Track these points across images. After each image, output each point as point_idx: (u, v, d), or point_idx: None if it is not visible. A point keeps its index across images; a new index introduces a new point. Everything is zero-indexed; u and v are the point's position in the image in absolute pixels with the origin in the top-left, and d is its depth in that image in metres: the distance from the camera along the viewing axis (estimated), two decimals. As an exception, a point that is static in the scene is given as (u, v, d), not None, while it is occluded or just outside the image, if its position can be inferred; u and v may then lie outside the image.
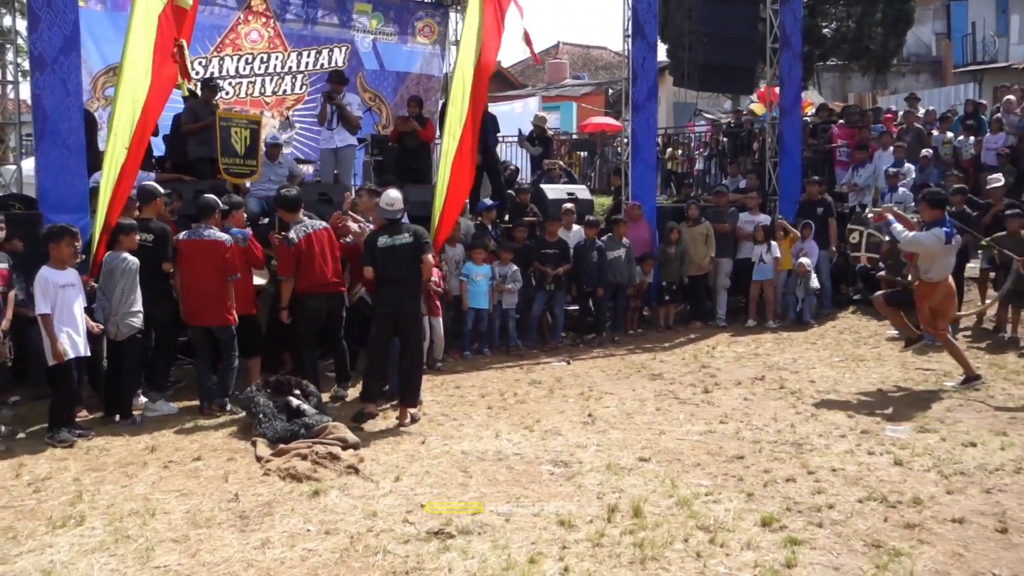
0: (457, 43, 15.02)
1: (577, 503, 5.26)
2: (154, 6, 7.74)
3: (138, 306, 7.19)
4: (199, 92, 10.08)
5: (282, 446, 6.28)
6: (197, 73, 11.12)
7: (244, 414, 7.13)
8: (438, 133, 10.38)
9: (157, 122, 8.49)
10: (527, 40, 10.86)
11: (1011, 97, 14.86)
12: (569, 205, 11.61)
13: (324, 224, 8.00)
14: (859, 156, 13.74)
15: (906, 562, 4.35)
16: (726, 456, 6.17)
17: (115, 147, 7.51)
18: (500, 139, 14.03)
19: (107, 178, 7.50)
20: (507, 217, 11.79)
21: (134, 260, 7.16)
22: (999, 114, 14.40)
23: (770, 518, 4.92)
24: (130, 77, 7.61)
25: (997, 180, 11.40)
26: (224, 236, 7.58)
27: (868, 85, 26.02)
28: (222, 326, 7.59)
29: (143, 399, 7.61)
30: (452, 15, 14.69)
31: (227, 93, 12.41)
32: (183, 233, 7.67)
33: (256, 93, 12.91)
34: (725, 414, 7.36)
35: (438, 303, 9.13)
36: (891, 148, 13.49)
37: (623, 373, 9.12)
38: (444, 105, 12.29)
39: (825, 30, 19.88)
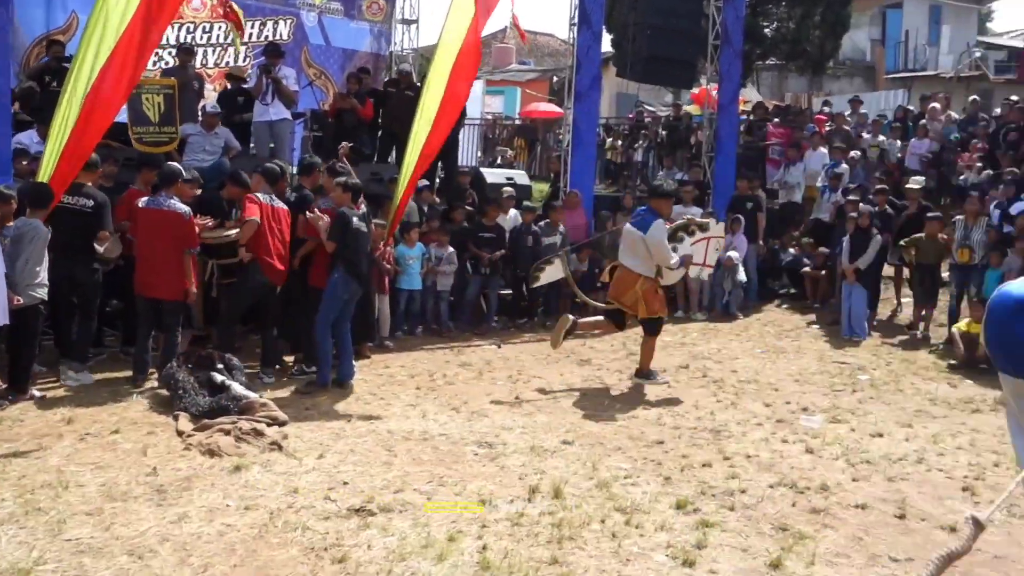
0: (404, 22, 15.08)
1: (499, 483, 5.34)
2: None
3: (42, 277, 6.80)
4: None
5: (205, 421, 6.23)
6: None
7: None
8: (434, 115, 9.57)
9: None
10: (515, 24, 10.84)
11: (936, 105, 15.36)
12: (507, 190, 11.69)
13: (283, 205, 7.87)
14: (791, 155, 14.08)
15: (810, 545, 4.54)
16: (647, 441, 6.33)
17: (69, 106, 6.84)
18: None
19: (56, 138, 6.85)
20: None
21: (45, 230, 6.80)
22: (924, 120, 14.87)
23: (685, 501, 5.07)
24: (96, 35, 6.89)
25: (917, 182, 11.81)
26: (184, 208, 7.39)
27: (805, 86, 26.57)
28: (174, 300, 7.38)
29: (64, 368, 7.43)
30: (399, -5, 14.64)
31: (166, 64, 12.16)
32: (142, 200, 7.43)
33: (198, 64, 12.66)
34: (649, 401, 7.52)
35: (386, 281, 9.19)
36: (821, 148, 13.84)
37: (552, 358, 9.23)
38: (390, 81, 12.30)
39: (766, 30, 20.24)
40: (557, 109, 21.80)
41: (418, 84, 10.70)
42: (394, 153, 11.61)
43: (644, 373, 8.16)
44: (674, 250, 7.96)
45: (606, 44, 17.49)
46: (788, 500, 5.19)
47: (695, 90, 18.61)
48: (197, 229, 7.58)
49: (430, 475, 5.45)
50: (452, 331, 10.31)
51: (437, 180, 11.90)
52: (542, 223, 11.23)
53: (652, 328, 8.13)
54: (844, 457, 6.03)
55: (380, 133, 12.05)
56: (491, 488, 5.24)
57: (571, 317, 8.32)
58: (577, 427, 6.65)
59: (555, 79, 28.58)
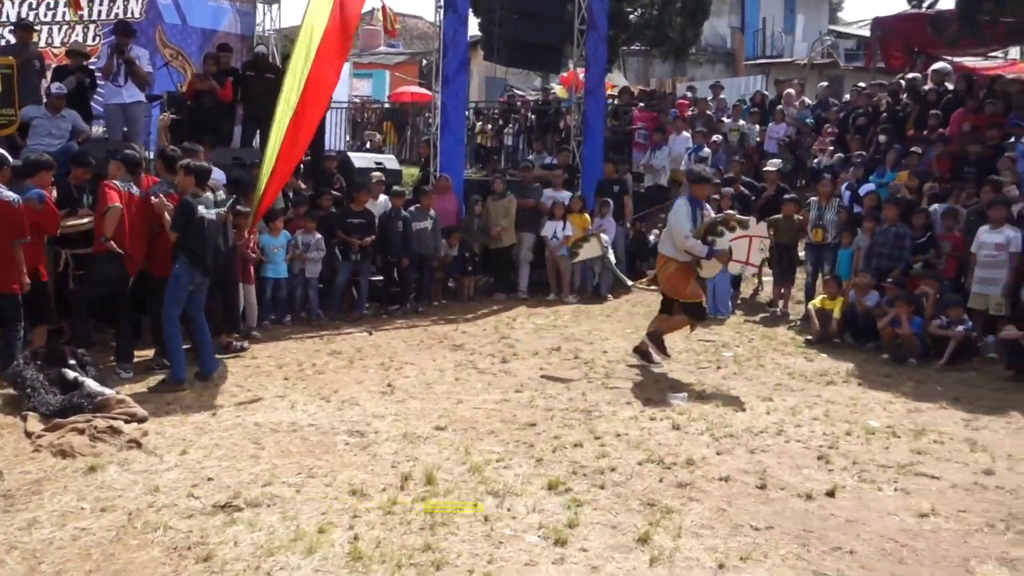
0: (267, 1, 14.61)
1: (371, 472, 5.26)
2: None
3: None
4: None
5: (57, 420, 5.89)
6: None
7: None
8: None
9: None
10: (384, 13, 10.57)
11: (791, 90, 16.04)
12: (376, 174, 11.52)
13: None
14: (656, 139, 14.44)
15: (676, 518, 4.66)
16: (519, 424, 6.36)
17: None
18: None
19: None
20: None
21: None
22: (781, 106, 15.50)
23: (556, 481, 5.12)
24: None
25: (773, 164, 12.31)
26: (11, 195, 6.87)
27: (669, 71, 27.28)
28: (5, 294, 6.86)
29: None
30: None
31: (5, 42, 11.38)
32: None
33: (42, 43, 11.90)
34: (521, 383, 7.57)
35: (251, 269, 8.90)
36: (684, 132, 14.24)
37: (425, 344, 9.18)
38: (248, 65, 11.87)
39: (631, 15, 20.62)
40: (427, 92, 21.64)
41: (280, 67, 10.40)
42: (258, 138, 11.25)
43: (644, 351, 8.29)
44: (712, 243, 7.84)
45: (473, 28, 17.42)
46: (656, 476, 5.32)
47: (563, 74, 18.81)
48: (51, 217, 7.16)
49: (299, 467, 5.32)
50: (321, 319, 10.09)
51: (302, 166, 11.58)
52: (412, 208, 11.13)
53: (691, 312, 8.06)
54: (709, 432, 6.22)
55: (243, 118, 11.65)
56: (363, 477, 5.16)
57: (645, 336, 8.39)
58: (450, 412, 6.62)
59: (424, 62, 28.39)
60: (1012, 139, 11.62)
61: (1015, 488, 5.26)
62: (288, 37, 14.59)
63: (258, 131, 11.21)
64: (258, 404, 6.72)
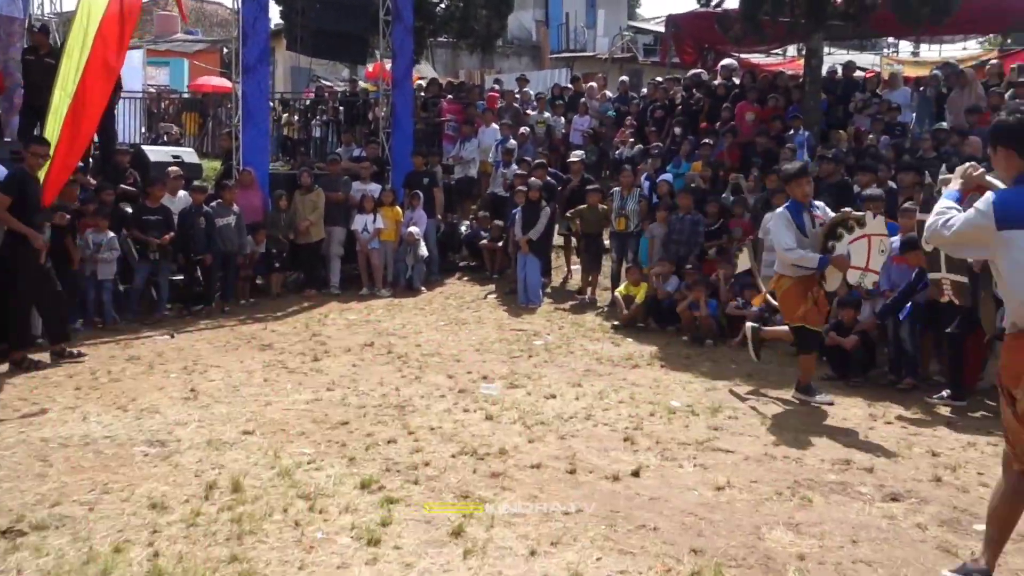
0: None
1: (172, 483, 4.99)
2: None
3: None
4: None
5: None
6: None
7: None
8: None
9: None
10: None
11: (593, 84, 16.56)
12: (174, 168, 10.95)
13: None
14: (466, 131, 14.52)
15: (489, 508, 4.70)
16: (331, 423, 6.23)
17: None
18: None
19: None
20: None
21: None
22: (584, 99, 15.97)
23: (369, 480, 5.05)
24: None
25: (577, 156, 12.69)
26: None
27: (477, 63, 27.53)
28: None
29: None
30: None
31: None
32: None
33: None
34: (333, 381, 7.43)
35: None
36: (493, 124, 14.40)
37: (232, 344, 8.83)
38: (28, 49, 10.94)
39: (437, 7, 20.63)
40: (228, 83, 20.79)
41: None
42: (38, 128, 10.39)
43: (802, 387, 7.10)
44: (832, 249, 6.69)
45: (275, 15, 16.93)
46: (470, 468, 5.35)
47: (369, 66, 18.56)
48: None
49: (92, 483, 4.97)
50: (118, 323, 9.50)
51: (91, 160, 10.85)
52: (214, 203, 10.67)
53: (799, 341, 7.04)
54: (521, 420, 6.33)
55: (22, 107, 10.73)
56: (163, 489, 4.88)
57: (754, 325, 7.58)
58: (258, 415, 6.39)
59: (225, 51, 27.23)
60: (792, 131, 12.50)
61: (799, 457, 5.67)
62: (69, 22, 13.58)
63: (39, 121, 10.37)
64: (45, 418, 6.23)
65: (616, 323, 9.99)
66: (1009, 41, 26.70)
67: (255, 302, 11.11)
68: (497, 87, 18.61)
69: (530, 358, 8.45)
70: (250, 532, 4.35)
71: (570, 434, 6.07)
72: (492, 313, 10.60)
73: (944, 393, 7.07)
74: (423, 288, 11.98)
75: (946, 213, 3.64)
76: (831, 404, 6.90)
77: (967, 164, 3.88)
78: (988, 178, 3.69)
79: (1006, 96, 12.27)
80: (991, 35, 25.89)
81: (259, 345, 8.81)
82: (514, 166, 13.09)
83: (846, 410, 6.88)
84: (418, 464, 5.38)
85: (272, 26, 17.13)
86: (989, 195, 3.57)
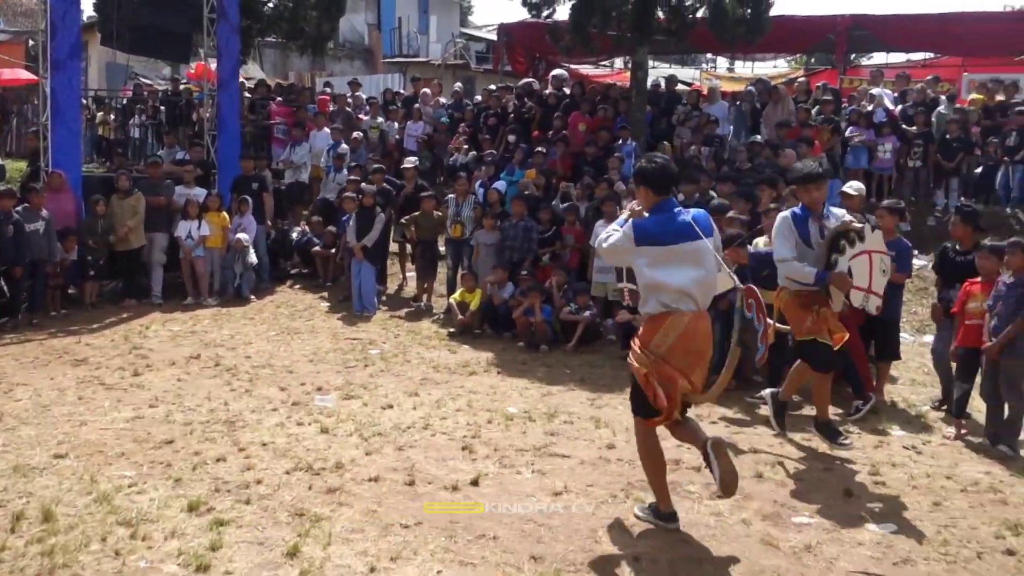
0: None
1: (-28, 516, 4.57)
2: None
3: None
4: None
5: None
6: None
7: None
8: None
9: None
10: None
11: (427, 90, 16.51)
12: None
13: None
14: (296, 134, 14.15)
15: (326, 525, 4.56)
16: (154, 442, 5.89)
17: None
18: None
19: None
20: None
21: None
22: (418, 104, 15.91)
23: (197, 502, 4.80)
24: None
25: (411, 162, 12.61)
26: None
27: (308, 65, 26.91)
28: None
29: None
30: None
31: None
32: None
33: None
34: (156, 397, 7.03)
35: None
36: (325, 128, 14.10)
37: (41, 360, 8.21)
38: None
39: (265, 7, 19.99)
40: (34, 77, 19.40)
41: None
42: None
43: (822, 423, 6.16)
44: (835, 262, 5.72)
45: (89, 8, 15.94)
46: (305, 484, 5.18)
47: (191, 66, 17.82)
48: None
49: None
50: (-93, 339, 8.65)
51: None
52: (20, 208, 9.89)
53: (806, 355, 6.05)
54: (358, 432, 6.19)
55: None
56: (-39, 524, 4.46)
57: (774, 391, 6.58)
58: (72, 437, 5.96)
59: (31, 43, 25.38)
60: (620, 141, 12.90)
61: (632, 459, 5.80)
62: None
63: None
64: None
65: (452, 330, 9.97)
66: (812, 60, 28.82)
67: (67, 313, 10.37)
68: (329, 90, 18.24)
69: (366, 367, 8.29)
70: (64, 566, 4.06)
71: (408, 445, 5.99)
72: (326, 322, 10.35)
73: (764, 392, 7.44)
74: (252, 297, 11.53)
75: (611, 234, 4.79)
76: (849, 446, 6.05)
77: (634, 202, 4.85)
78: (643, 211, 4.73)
79: (812, 112, 13.18)
80: (797, 55, 27.85)
81: (72, 360, 8.23)
82: (345, 171, 12.86)
83: (674, 411, 7.13)
84: (250, 482, 5.16)
85: (85, 19, 16.19)
86: (631, 221, 4.70)
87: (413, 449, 5.90)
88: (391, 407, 6.91)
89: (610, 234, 4.79)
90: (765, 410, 6.73)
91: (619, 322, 9.22)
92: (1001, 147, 12.41)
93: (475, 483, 5.26)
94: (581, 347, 9.31)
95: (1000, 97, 13.99)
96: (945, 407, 7.09)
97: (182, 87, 17.55)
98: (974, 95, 14.46)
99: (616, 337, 9.51)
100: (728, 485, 4.45)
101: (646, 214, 4.74)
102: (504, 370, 8.41)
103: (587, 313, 9.44)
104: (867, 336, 7.44)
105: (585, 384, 7.92)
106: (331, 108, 15.71)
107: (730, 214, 8.13)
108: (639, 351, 4.65)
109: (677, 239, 4.58)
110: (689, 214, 4.71)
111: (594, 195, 10.93)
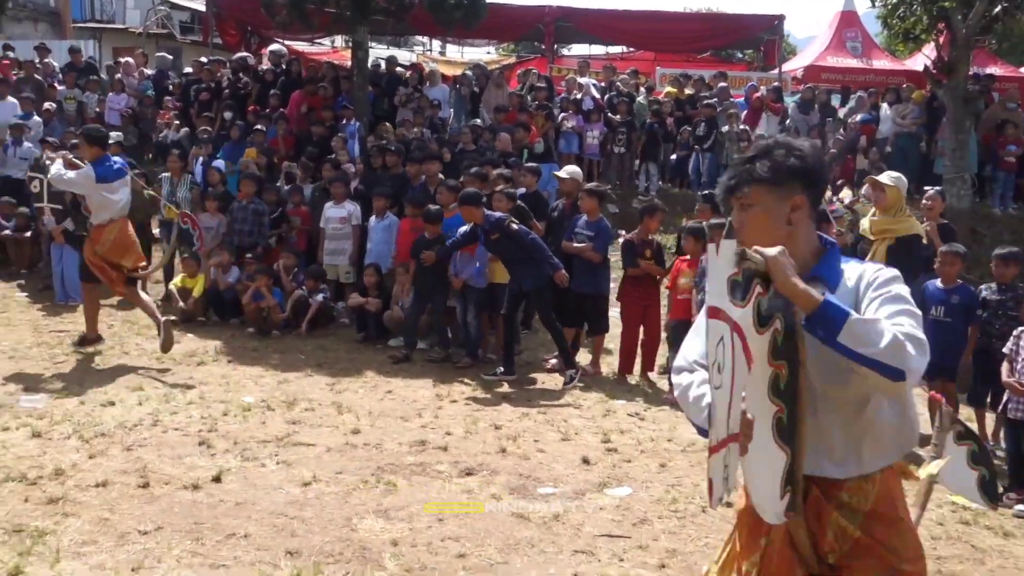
0: None
1: None
2: None
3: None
4: None
5: None
6: None
7: None
8: None
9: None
10: None
11: (130, 60, 15.34)
12: None
13: None
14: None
15: (51, 540, 4.13)
16: None
17: None
18: None
19: None
20: None
21: None
22: (119, 75, 14.71)
23: None
24: None
25: (115, 136, 11.59)
26: None
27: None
28: None
29: None
30: None
31: None
32: None
33: None
34: None
35: None
36: (10, 98, 12.65)
37: None
38: None
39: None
40: None
41: None
42: None
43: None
44: None
45: None
46: (20, 496, 4.65)
47: None
48: None
49: None
50: None
51: None
52: None
53: None
54: (77, 434, 5.63)
55: None
56: None
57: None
58: None
59: None
60: (344, 121, 12.72)
61: (379, 443, 5.81)
62: None
63: None
64: None
65: (174, 318, 9.33)
66: (520, 49, 30.14)
67: None
68: (11, 55, 16.33)
69: (79, 362, 7.57)
70: None
71: (137, 444, 5.55)
72: (25, 314, 9.31)
73: (498, 370, 7.73)
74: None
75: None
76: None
77: None
78: None
79: (528, 97, 13.77)
80: (507, 43, 28.97)
81: None
82: (28, 144, 11.58)
83: (415, 392, 7.20)
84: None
85: None
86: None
87: (143, 448, 5.48)
88: (113, 404, 6.36)
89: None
90: (504, 386, 7.00)
91: (352, 306, 9.14)
92: (692, 136, 13.73)
93: (217, 479, 4.99)
94: (314, 331, 9.12)
95: (689, 91, 15.41)
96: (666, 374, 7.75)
97: None
98: (668, 88, 15.84)
99: (349, 321, 9.42)
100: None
101: None
102: (235, 358, 8.03)
103: (320, 296, 9.25)
104: (579, 313, 8.01)
105: (322, 369, 7.77)
106: (16, 75, 14.11)
107: (500, 188, 8.32)
108: None
109: None
110: None
111: (318, 176, 10.71)
